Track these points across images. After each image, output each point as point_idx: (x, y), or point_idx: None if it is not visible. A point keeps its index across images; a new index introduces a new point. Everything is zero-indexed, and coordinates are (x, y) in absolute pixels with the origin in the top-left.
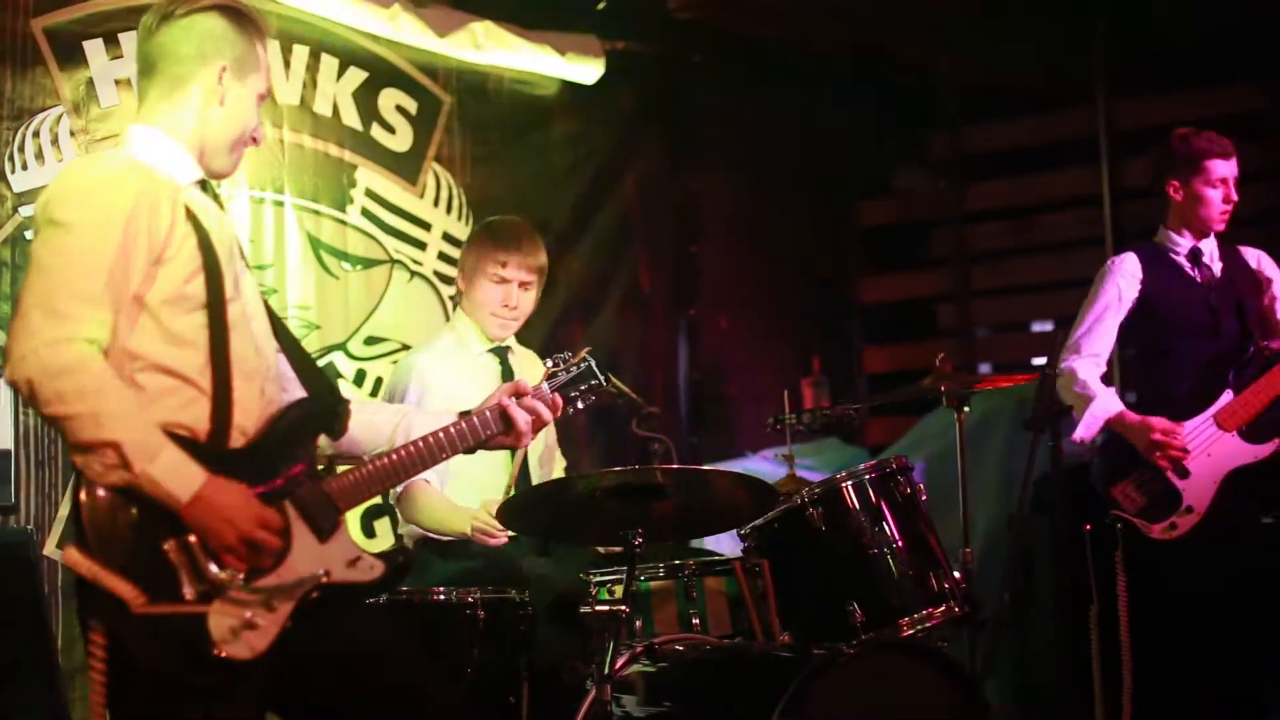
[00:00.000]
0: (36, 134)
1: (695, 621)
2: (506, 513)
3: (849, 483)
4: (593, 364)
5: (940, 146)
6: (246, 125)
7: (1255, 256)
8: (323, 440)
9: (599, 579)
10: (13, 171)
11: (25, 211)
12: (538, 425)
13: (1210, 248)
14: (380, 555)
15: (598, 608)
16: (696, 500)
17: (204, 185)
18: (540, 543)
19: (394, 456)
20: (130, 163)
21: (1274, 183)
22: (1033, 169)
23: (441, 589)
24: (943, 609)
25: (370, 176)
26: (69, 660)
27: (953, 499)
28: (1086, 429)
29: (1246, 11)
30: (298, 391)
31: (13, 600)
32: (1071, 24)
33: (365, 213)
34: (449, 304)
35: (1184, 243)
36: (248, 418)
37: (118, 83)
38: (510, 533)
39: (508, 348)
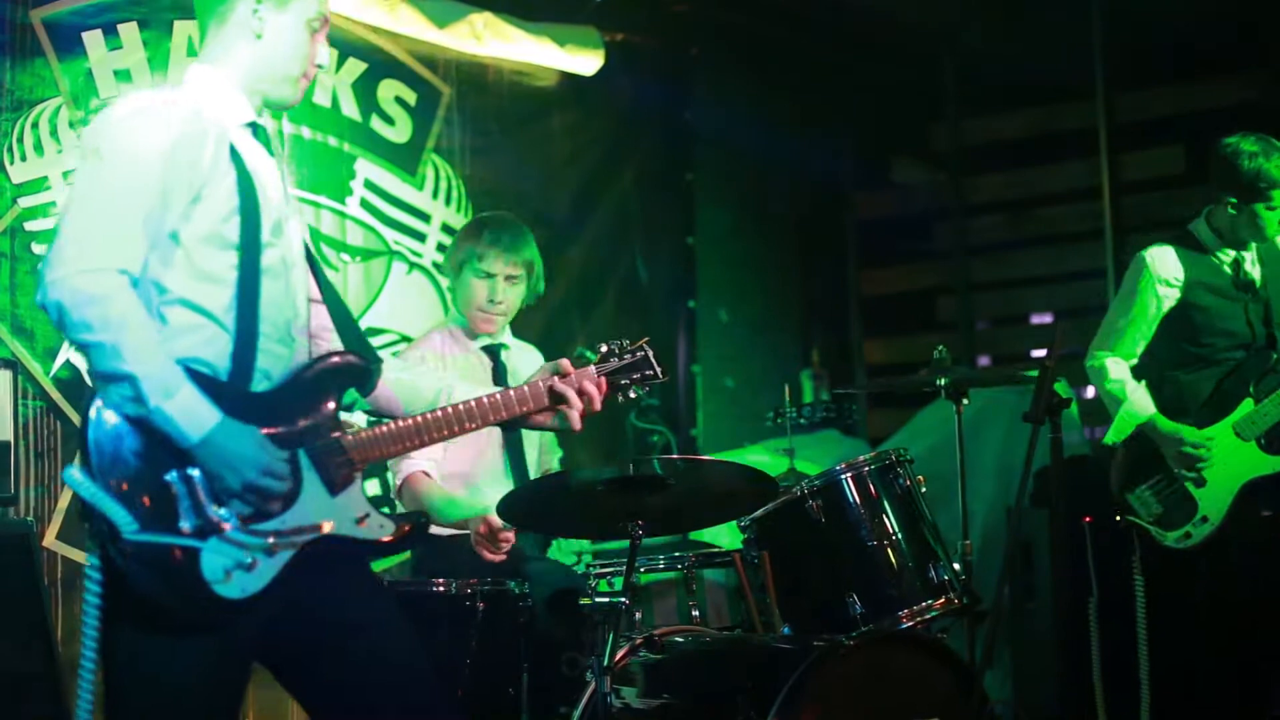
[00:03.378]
0: (35, 125)
1: (695, 613)
2: (507, 506)
3: (849, 474)
4: (649, 354)
5: (940, 138)
6: (296, 55)
7: None
8: (364, 400)
9: (599, 571)
10: (11, 163)
11: (24, 202)
12: (586, 408)
13: (1250, 254)
14: (393, 516)
15: (597, 599)
16: (697, 492)
17: (255, 129)
18: (541, 544)
19: (418, 418)
20: (176, 99)
21: None
22: (1032, 161)
23: (441, 580)
24: (942, 601)
25: (369, 168)
26: (69, 652)
27: (952, 491)
28: (1118, 432)
29: (1246, 2)
30: (334, 345)
31: (12, 591)
32: (1071, 15)
33: (364, 204)
34: (448, 296)
35: (1229, 251)
36: (273, 363)
37: (117, 73)
38: (509, 544)
39: (501, 344)
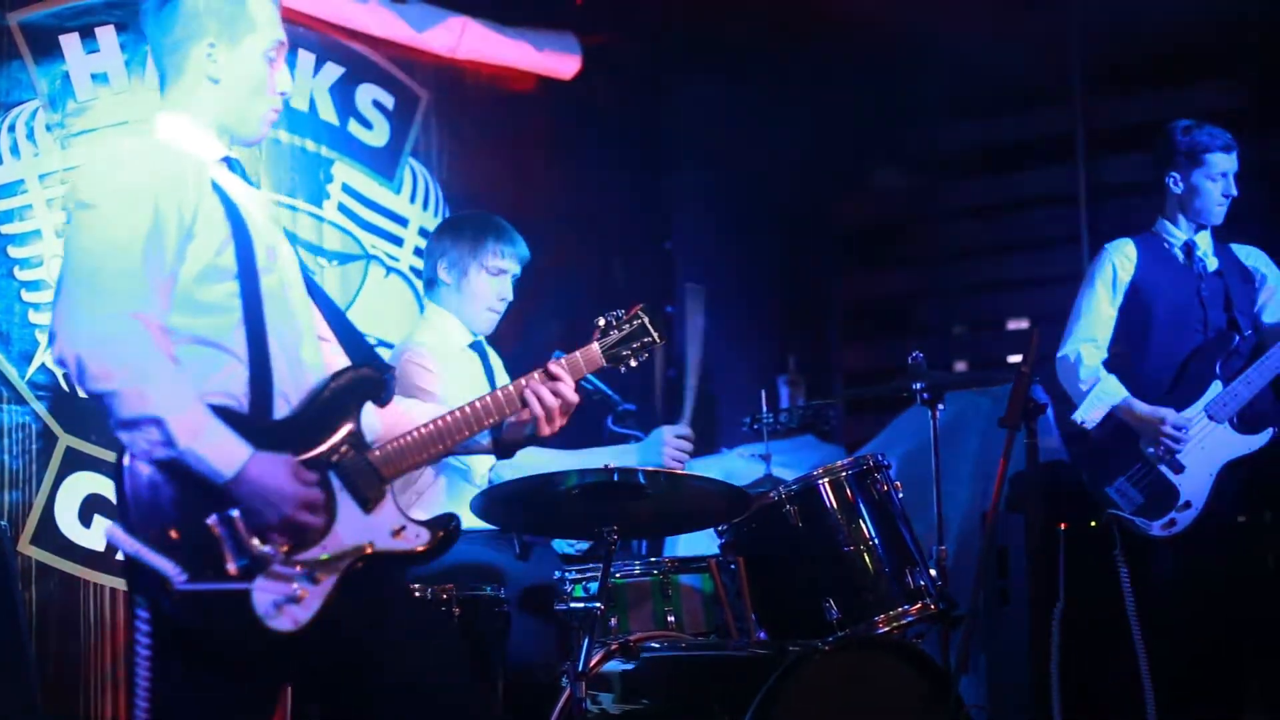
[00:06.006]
0: (12, 128)
1: (671, 619)
2: (483, 505)
3: (825, 480)
4: (645, 320)
5: (917, 144)
6: (257, 90)
7: (1248, 253)
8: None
9: (574, 576)
10: None
11: (0, 206)
12: (564, 407)
13: (1205, 242)
14: (425, 523)
15: (573, 605)
16: (673, 501)
17: (231, 163)
18: (520, 548)
19: (438, 423)
20: (153, 142)
21: (1252, 180)
22: (1010, 167)
23: (416, 585)
24: (918, 606)
25: (347, 172)
26: (42, 652)
27: (928, 496)
28: (1091, 410)
29: (1223, 8)
30: (341, 361)
31: None
32: (1049, 21)
33: (342, 208)
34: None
35: (1179, 235)
36: (289, 386)
37: (94, 76)
38: None
39: (481, 342)
